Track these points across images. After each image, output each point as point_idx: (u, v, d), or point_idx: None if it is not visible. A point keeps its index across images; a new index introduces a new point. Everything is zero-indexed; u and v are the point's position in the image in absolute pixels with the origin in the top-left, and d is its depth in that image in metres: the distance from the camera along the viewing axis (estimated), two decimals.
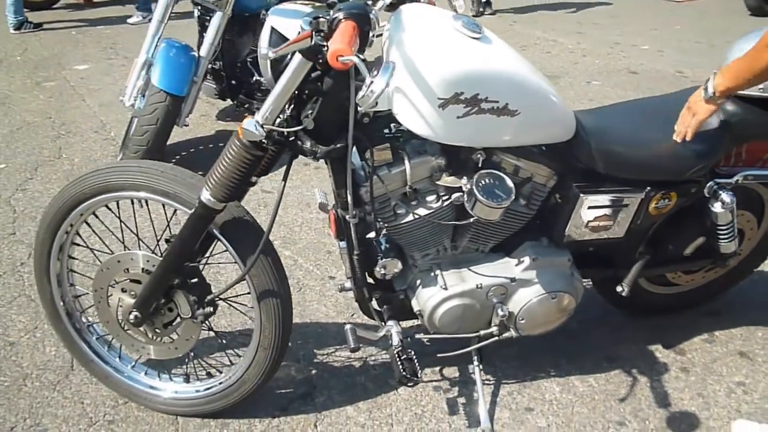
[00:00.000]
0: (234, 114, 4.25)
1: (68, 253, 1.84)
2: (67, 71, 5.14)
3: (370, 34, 1.30)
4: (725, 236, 1.94)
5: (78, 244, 1.84)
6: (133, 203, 1.76)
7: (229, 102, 4.06)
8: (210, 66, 3.61)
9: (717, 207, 1.87)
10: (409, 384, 1.70)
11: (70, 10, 7.16)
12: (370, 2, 1.42)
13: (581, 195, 1.73)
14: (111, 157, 3.64)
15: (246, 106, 3.91)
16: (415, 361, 1.72)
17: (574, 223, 1.78)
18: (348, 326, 1.75)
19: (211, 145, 3.85)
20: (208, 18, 3.46)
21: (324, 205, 1.98)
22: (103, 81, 4.89)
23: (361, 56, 1.20)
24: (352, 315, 2.37)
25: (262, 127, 1.45)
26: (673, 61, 5.51)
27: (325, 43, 1.29)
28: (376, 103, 1.30)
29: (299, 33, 1.36)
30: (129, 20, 6.59)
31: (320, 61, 1.38)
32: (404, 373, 1.68)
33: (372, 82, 1.21)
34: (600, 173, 1.74)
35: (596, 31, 6.53)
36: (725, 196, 1.84)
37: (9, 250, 2.75)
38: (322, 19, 1.27)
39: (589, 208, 1.76)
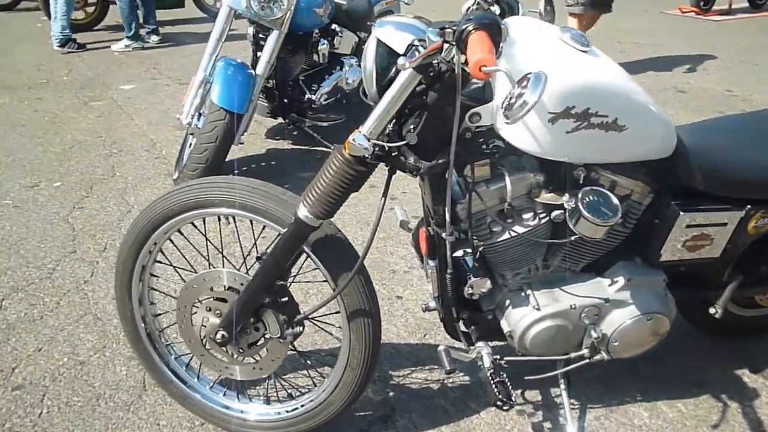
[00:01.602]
0: (282, 133, 4.26)
1: (150, 272, 1.81)
2: (113, 91, 5.18)
3: (500, 45, 1.26)
4: None
5: (160, 262, 1.82)
6: (219, 220, 1.74)
7: (278, 120, 4.06)
8: (264, 85, 3.62)
9: None
10: (504, 408, 1.64)
11: (111, 31, 7.25)
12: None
13: (680, 213, 1.67)
14: (164, 175, 3.64)
15: (297, 124, 3.91)
16: (509, 384, 1.67)
17: (671, 242, 1.72)
18: (441, 348, 1.70)
19: (263, 163, 3.85)
20: (263, 37, 3.47)
21: (405, 222, 1.94)
22: (148, 100, 4.93)
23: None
24: (425, 335, 2.32)
25: (368, 141, 1.42)
26: (719, 79, 5.44)
27: (453, 54, 1.26)
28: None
29: (410, 45, 1.33)
30: (113, 46, 6.43)
31: (431, 74, 1.35)
32: (500, 396, 1.63)
33: (522, 93, 1.17)
34: (698, 190, 1.68)
35: (638, 50, 6.48)
36: None
37: (71, 268, 2.74)
38: (449, 30, 1.24)
39: (687, 227, 1.70)
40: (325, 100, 3.86)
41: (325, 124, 3.89)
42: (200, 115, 3.24)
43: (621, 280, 1.74)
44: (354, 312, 1.65)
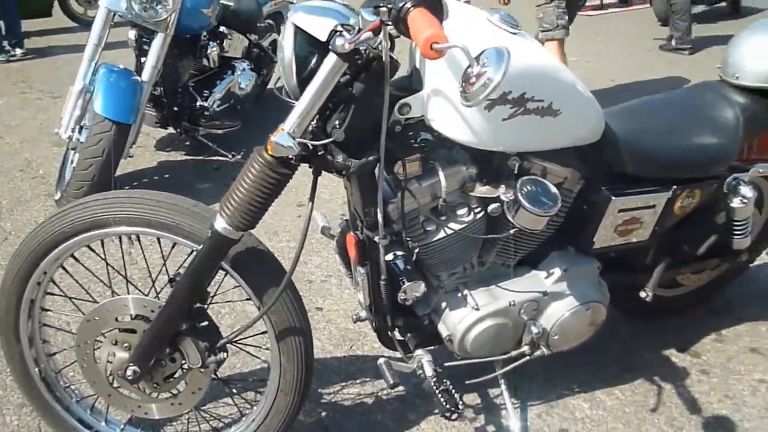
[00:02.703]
0: (173, 143, 3.98)
1: (41, 305, 1.58)
2: None
3: (443, 23, 1.15)
4: (740, 232, 1.90)
5: (53, 294, 1.58)
6: (120, 240, 1.53)
7: (168, 130, 3.79)
8: (150, 92, 3.37)
9: (736, 202, 1.82)
10: (452, 418, 1.54)
11: None
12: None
13: (613, 198, 1.63)
14: (44, 196, 3.29)
15: (190, 133, 3.67)
16: (453, 391, 1.57)
17: (603, 228, 1.68)
18: (381, 361, 1.58)
19: (155, 177, 3.57)
20: (146, 41, 3.22)
21: (326, 228, 1.81)
22: (20, 116, 4.49)
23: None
24: (351, 347, 2.18)
25: (293, 140, 1.27)
26: (602, 70, 5.64)
27: (396, 33, 1.13)
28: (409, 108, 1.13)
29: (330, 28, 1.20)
30: None
31: (358, 61, 1.22)
32: (447, 406, 1.53)
33: (483, 72, 1.06)
34: (627, 174, 1.66)
35: None
36: (746, 191, 1.80)
37: None
38: (383, 9, 1.12)
39: (619, 211, 1.67)
40: (218, 107, 3.64)
41: (220, 131, 3.68)
42: (81, 128, 2.95)
43: (557, 272, 1.69)
44: (283, 331, 1.50)
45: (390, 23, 1.12)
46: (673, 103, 1.86)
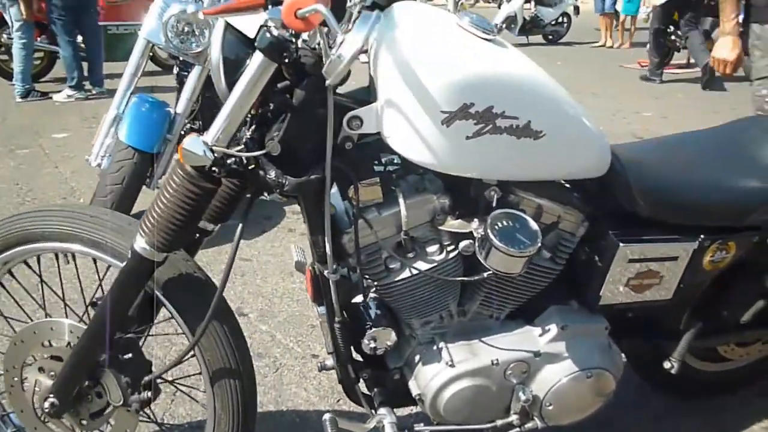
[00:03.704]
0: None
1: None
2: (44, 139, 4.87)
3: (348, 3, 0.98)
4: None
5: None
6: (58, 258, 1.40)
7: None
8: (188, 125, 3.34)
9: None
10: None
11: (58, 83, 6.97)
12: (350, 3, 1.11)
13: (620, 245, 1.38)
14: None
15: None
16: None
17: (612, 280, 1.42)
18: (327, 416, 1.36)
19: None
20: (186, 73, 3.20)
21: (301, 264, 1.62)
22: (79, 148, 4.60)
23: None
24: (338, 401, 1.97)
25: (211, 150, 1.11)
26: (676, 126, 5.28)
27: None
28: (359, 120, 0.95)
29: None
30: (55, 97, 6.17)
31: (286, 61, 1.06)
32: None
33: (344, 39, 0.88)
34: (642, 217, 1.40)
35: (595, 100, 6.35)
36: None
37: None
38: None
39: (630, 261, 1.40)
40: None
41: None
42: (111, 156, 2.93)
43: (554, 329, 1.43)
44: (217, 372, 1.31)
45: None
46: (706, 139, 1.59)
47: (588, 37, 10.86)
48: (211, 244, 2.71)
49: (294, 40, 1.07)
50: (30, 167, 4.23)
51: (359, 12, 1.04)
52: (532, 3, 10.86)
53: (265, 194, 1.27)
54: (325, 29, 1.00)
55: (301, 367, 2.13)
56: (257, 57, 1.07)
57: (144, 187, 2.95)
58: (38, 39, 6.43)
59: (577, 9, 12.58)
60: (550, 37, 10.90)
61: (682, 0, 7.09)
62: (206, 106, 3.33)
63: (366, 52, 1.24)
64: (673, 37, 7.81)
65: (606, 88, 7.01)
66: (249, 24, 1.11)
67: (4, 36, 6.42)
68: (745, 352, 1.85)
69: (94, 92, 6.32)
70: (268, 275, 2.76)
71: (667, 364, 1.59)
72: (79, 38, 6.20)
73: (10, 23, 5.93)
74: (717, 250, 1.46)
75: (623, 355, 1.73)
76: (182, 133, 3.20)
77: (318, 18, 0.91)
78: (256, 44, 1.06)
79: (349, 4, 0.98)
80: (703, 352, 1.84)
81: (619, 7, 9.88)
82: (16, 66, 6.04)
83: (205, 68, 3.09)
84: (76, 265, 1.41)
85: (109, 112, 3.02)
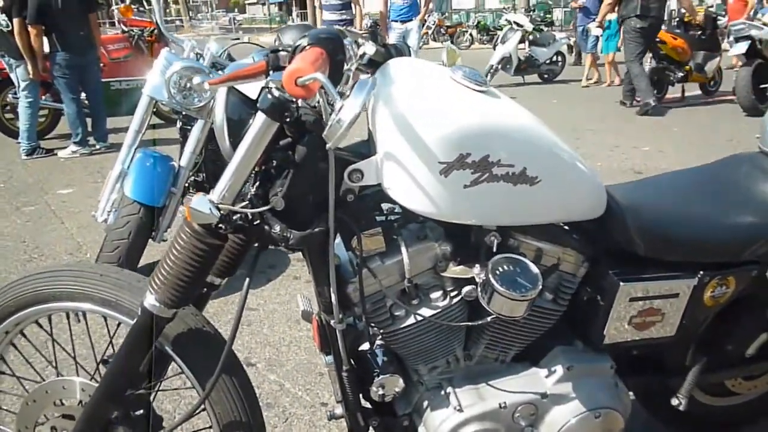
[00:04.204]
0: None
1: None
2: (50, 196, 4.94)
3: (345, 66, 1.03)
4: None
5: (3, 373, 1.49)
6: (68, 317, 1.43)
7: None
8: (193, 178, 3.40)
9: None
10: None
11: (63, 139, 7.09)
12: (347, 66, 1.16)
13: (621, 284, 1.40)
14: None
15: None
16: None
17: (615, 319, 1.44)
18: None
19: None
20: (189, 127, 3.27)
21: (308, 313, 1.64)
22: (85, 203, 4.67)
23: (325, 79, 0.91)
24: None
25: (217, 208, 1.15)
26: (676, 160, 5.33)
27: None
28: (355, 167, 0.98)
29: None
30: (60, 153, 6.28)
31: (287, 120, 1.10)
32: None
33: (342, 105, 0.92)
34: (641, 256, 1.42)
35: (593, 136, 6.42)
36: None
37: None
38: (283, 53, 1.00)
39: (632, 299, 1.43)
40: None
41: None
42: (117, 211, 2.97)
43: (559, 370, 1.44)
44: (227, 426, 1.33)
45: (282, 68, 0.99)
46: (700, 177, 1.62)
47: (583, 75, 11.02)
48: (217, 295, 2.76)
49: (294, 99, 1.11)
50: (36, 224, 4.29)
51: (357, 68, 1.09)
52: (527, 43, 11.08)
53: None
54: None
55: (311, 416, 2.13)
56: (260, 117, 1.11)
57: (150, 240, 2.99)
58: (43, 97, 6.56)
59: (571, 48, 12.82)
60: (546, 76, 11.07)
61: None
62: (209, 159, 3.40)
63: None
64: (667, 72, 7.97)
65: (603, 124, 7.09)
66: (251, 86, 1.16)
67: (10, 95, 6.55)
68: (753, 386, 1.85)
69: (98, 147, 6.41)
70: (275, 324, 2.77)
71: (674, 401, 1.59)
72: (83, 95, 6.32)
73: (16, 83, 6.06)
74: (717, 286, 1.48)
75: (631, 393, 1.75)
76: (186, 185, 3.26)
77: (317, 85, 0.95)
78: (258, 105, 1.10)
79: (346, 67, 1.03)
80: (711, 387, 1.84)
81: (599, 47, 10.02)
82: (22, 124, 6.16)
83: (207, 122, 3.15)
84: (86, 323, 1.43)
85: (115, 167, 3.08)
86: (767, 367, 1.76)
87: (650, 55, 7.95)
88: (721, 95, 8.43)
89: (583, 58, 11.70)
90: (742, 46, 7.02)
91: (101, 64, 6.56)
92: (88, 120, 6.45)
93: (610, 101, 8.37)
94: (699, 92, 8.59)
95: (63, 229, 4.16)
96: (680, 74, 8.00)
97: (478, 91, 1.23)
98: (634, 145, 5.92)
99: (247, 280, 1.25)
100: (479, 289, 1.27)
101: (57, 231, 4.14)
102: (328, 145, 1.00)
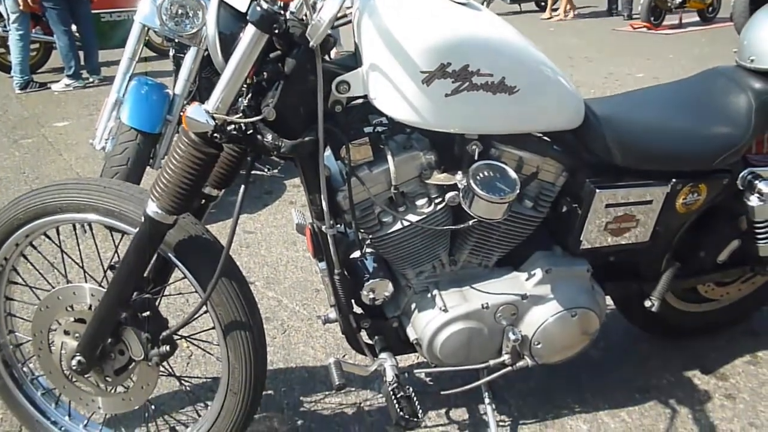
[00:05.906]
0: None
1: (5, 294, 1.58)
2: (46, 129, 4.96)
3: None
4: (764, 236, 1.69)
5: (16, 282, 1.58)
6: (75, 228, 1.51)
7: None
8: (187, 105, 3.42)
9: (754, 200, 1.62)
10: (408, 427, 1.41)
11: (56, 73, 7.05)
12: None
13: (597, 191, 1.48)
14: None
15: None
16: (415, 399, 1.45)
17: (591, 225, 1.52)
18: (332, 360, 1.48)
19: None
20: (182, 55, 3.28)
21: (301, 225, 1.73)
22: (82, 135, 4.70)
23: None
24: (344, 356, 2.08)
25: (212, 117, 1.21)
26: None
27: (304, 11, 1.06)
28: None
29: None
30: (54, 86, 6.24)
31: (276, 32, 1.16)
32: (401, 413, 1.41)
33: (323, 5, 0.98)
34: (617, 165, 1.50)
35: (589, 64, 6.41)
36: (763, 186, 1.59)
37: None
38: None
39: (607, 206, 1.51)
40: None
41: None
42: (114, 138, 3.02)
43: (539, 273, 1.54)
44: (229, 325, 1.42)
45: None
46: (677, 90, 1.68)
47: (580, 2, 10.84)
48: (215, 219, 2.86)
49: (283, 12, 1.16)
50: (35, 156, 4.33)
51: None
52: None
53: (266, 170, 1.36)
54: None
55: (308, 328, 2.24)
56: (249, 29, 1.16)
57: (148, 168, 3.05)
58: (33, 30, 6.48)
59: None
60: (543, 3, 10.90)
61: None
62: (203, 87, 3.41)
63: (350, 22, 1.35)
64: None
65: (598, 52, 7.06)
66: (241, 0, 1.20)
67: (0, 29, 6.47)
68: (725, 292, 1.95)
69: (91, 80, 6.39)
70: (273, 245, 2.87)
71: (647, 303, 1.69)
72: (74, 27, 6.25)
73: (5, 15, 5.98)
74: (689, 193, 1.56)
75: (609, 297, 1.85)
76: (181, 113, 3.30)
77: None
78: (248, 17, 1.15)
79: None
80: (684, 293, 1.95)
81: None
82: (14, 58, 6.11)
83: (200, 49, 3.17)
84: (93, 234, 1.51)
85: (110, 96, 3.11)
86: (738, 274, 1.87)
87: None
88: (720, 22, 8.36)
89: None
90: None
91: None
92: (81, 53, 6.40)
93: (606, 30, 8.30)
94: (697, 19, 8.50)
95: (62, 161, 4.21)
96: (678, 0, 7.90)
97: (459, 3, 1.27)
98: (628, 72, 5.92)
99: (243, 186, 1.33)
100: (461, 194, 1.35)
101: (56, 162, 4.19)
102: (310, 44, 1.05)
